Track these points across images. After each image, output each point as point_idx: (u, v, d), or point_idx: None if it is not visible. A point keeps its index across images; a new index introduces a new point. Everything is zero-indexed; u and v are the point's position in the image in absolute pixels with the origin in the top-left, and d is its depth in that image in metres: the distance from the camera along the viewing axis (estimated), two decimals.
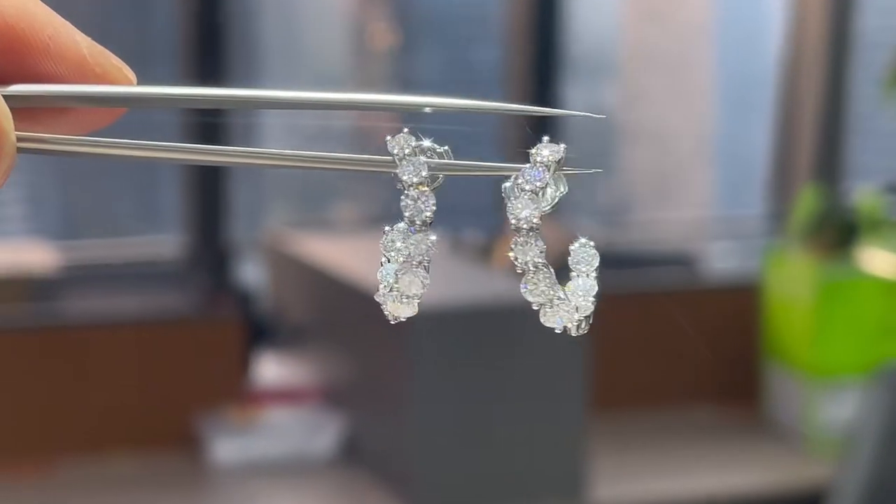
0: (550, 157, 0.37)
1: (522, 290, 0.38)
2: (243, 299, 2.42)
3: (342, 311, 2.21)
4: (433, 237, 0.38)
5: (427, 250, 0.38)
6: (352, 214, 2.90)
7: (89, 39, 0.36)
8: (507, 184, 0.38)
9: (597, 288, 0.38)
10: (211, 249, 2.45)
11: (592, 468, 2.05)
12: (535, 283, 0.38)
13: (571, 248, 0.38)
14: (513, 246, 0.38)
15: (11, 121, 0.34)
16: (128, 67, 0.37)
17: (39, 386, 2.19)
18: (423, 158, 0.38)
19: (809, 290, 2.31)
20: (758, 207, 3.00)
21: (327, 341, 2.31)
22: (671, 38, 3.27)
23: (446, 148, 0.38)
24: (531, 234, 0.37)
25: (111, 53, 0.37)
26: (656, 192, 3.22)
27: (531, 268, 0.38)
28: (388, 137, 0.38)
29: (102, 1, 2.85)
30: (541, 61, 2.72)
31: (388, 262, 0.38)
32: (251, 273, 2.54)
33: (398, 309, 0.38)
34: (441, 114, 0.38)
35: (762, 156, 3.00)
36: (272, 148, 0.38)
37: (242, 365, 2.28)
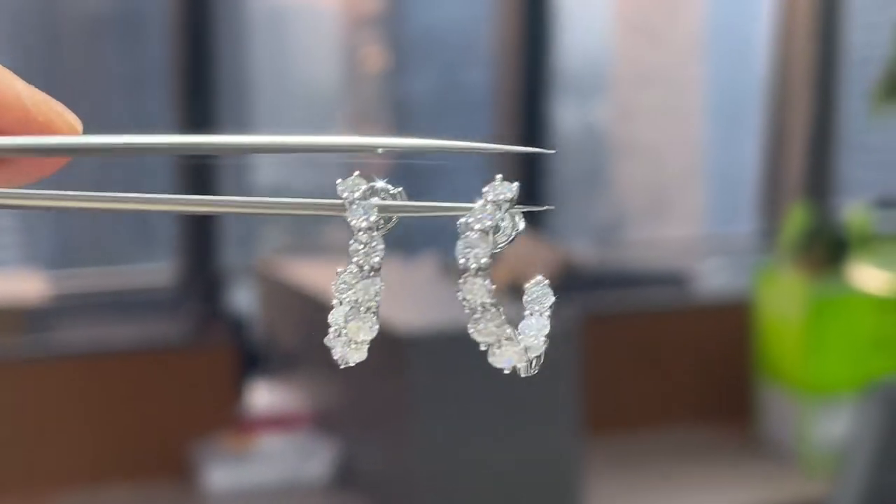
0: (502, 197, 0.37)
1: (470, 331, 0.37)
2: (236, 326, 2.42)
3: None
4: (381, 282, 0.37)
5: (375, 295, 0.37)
6: (344, 238, 2.90)
7: (31, 87, 0.36)
8: (462, 220, 0.37)
9: (549, 327, 0.37)
10: (203, 277, 2.45)
11: (588, 489, 2.05)
12: (484, 324, 0.37)
13: (526, 286, 0.38)
14: (461, 285, 0.37)
15: None
16: (71, 113, 0.37)
17: (33, 416, 2.19)
18: (373, 201, 0.37)
19: (801, 307, 2.31)
20: (749, 224, 3.01)
21: (320, 367, 2.31)
22: (662, 56, 3.27)
23: (400, 189, 0.38)
24: (479, 273, 0.37)
25: (53, 100, 0.36)
26: (648, 209, 3.22)
27: (479, 308, 0.37)
28: (338, 181, 0.37)
29: (95, 47, 2.86)
30: (532, 81, 2.73)
31: (340, 304, 0.38)
32: (243, 300, 2.54)
33: (347, 354, 0.38)
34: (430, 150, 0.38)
35: (753, 172, 3.00)
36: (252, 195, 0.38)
37: (235, 392, 2.28)
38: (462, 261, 0.37)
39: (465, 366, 1.94)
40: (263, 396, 2.31)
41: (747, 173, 3.04)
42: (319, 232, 2.92)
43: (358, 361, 0.38)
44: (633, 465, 2.35)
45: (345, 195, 0.37)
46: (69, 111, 0.37)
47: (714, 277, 2.90)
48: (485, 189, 0.37)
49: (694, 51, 3.33)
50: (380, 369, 2.01)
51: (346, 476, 2.14)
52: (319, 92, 3.31)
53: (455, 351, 1.93)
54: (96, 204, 0.37)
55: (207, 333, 2.39)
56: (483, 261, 0.37)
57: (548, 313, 0.38)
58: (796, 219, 2.46)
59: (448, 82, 3.26)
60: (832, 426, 2.28)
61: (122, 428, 2.21)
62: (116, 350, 2.29)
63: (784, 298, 2.36)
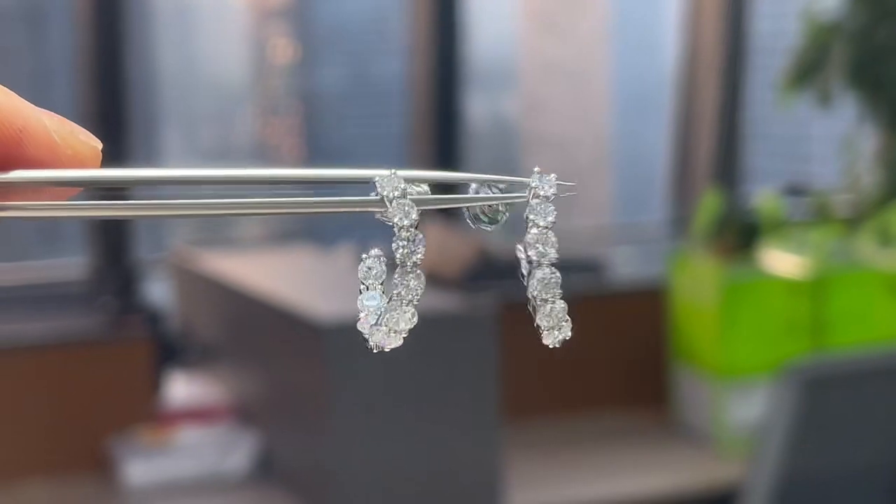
0: (550, 191, 0.39)
1: (538, 319, 0.39)
2: (151, 319, 2.40)
3: (252, 327, 2.20)
4: (423, 278, 0.38)
5: (416, 289, 0.38)
6: (256, 231, 2.88)
7: (56, 119, 0.37)
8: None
9: (567, 308, 0.39)
10: (117, 270, 2.43)
11: (508, 476, 2.06)
12: (552, 311, 0.39)
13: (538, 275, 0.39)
14: (529, 279, 0.39)
15: None
16: (94, 138, 0.38)
17: None
18: (410, 199, 0.38)
19: (714, 293, 2.35)
20: (660, 212, 3.04)
21: (238, 358, 2.30)
22: (569, 48, 3.30)
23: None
24: (548, 267, 0.39)
25: (78, 129, 0.38)
26: (560, 199, 3.25)
27: (550, 299, 0.39)
28: (377, 178, 0.38)
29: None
30: (442, 73, 2.74)
31: (367, 289, 0.38)
32: (158, 292, 2.52)
33: (384, 341, 0.39)
34: None
35: (662, 161, 3.04)
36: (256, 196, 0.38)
37: (153, 385, 2.26)
38: (535, 259, 0.39)
39: (384, 355, 1.94)
40: (182, 389, 2.29)
41: (657, 162, 3.08)
42: (230, 225, 2.90)
43: (394, 347, 0.39)
44: (552, 451, 2.37)
45: (385, 193, 0.38)
46: (91, 136, 0.38)
47: (626, 266, 2.93)
48: (532, 185, 0.39)
49: (600, 43, 3.36)
50: (299, 360, 2.00)
51: (266, 468, 2.13)
52: (228, 84, 3.29)
53: None
54: (130, 212, 0.38)
55: (123, 326, 2.36)
56: (551, 256, 0.39)
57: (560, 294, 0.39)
58: (708, 205, 2.49)
59: (358, 73, 3.26)
60: (747, 409, 2.32)
61: (39, 424, 2.18)
62: (32, 345, 2.26)
63: (697, 284, 2.40)
